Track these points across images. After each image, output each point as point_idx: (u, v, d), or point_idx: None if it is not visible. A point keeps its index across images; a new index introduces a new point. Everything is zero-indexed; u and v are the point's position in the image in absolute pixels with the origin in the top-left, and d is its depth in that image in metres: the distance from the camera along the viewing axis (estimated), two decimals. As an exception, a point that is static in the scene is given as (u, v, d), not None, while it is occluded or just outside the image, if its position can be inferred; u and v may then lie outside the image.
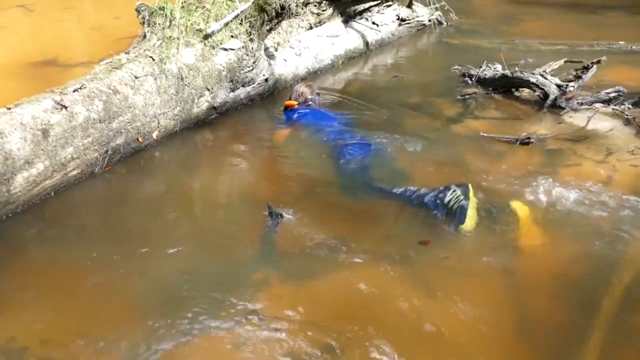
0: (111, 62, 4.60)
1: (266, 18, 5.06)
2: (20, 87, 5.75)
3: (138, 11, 5.16)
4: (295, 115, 4.90)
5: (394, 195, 3.79)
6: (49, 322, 2.96)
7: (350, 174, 4.12)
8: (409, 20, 7.48)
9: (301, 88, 5.14)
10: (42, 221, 3.70)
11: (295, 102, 5.00)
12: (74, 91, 4.10)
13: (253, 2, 5.03)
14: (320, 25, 6.44)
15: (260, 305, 3.00)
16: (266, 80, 5.35)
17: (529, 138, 4.48)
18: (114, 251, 3.43)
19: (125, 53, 4.80)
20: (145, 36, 5.02)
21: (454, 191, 3.60)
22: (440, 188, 3.66)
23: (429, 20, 7.72)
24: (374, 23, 6.98)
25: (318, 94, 5.21)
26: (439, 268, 3.28)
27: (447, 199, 3.58)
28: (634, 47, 6.83)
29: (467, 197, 3.55)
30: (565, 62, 5.67)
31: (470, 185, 3.63)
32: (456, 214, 3.52)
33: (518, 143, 4.48)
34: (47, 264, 3.38)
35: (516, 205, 3.64)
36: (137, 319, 2.97)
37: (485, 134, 4.62)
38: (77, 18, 8.88)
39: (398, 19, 7.36)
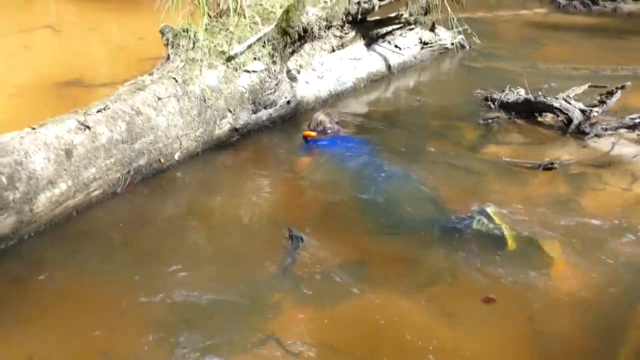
0: (135, 83, 4.64)
1: (289, 40, 5.07)
2: (45, 107, 5.80)
3: (162, 33, 5.19)
4: (317, 144, 4.90)
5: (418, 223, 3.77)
6: (67, 343, 2.97)
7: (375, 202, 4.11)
8: (431, 43, 7.46)
9: (320, 116, 5.13)
10: (63, 241, 3.71)
11: (314, 134, 4.98)
12: (98, 112, 4.13)
13: (276, 25, 5.06)
14: (343, 48, 6.45)
15: (278, 329, 2.99)
16: (288, 102, 5.36)
17: (552, 163, 4.44)
18: (134, 272, 3.44)
19: (149, 74, 4.84)
20: (168, 58, 5.06)
21: (479, 220, 3.57)
22: (463, 216, 3.64)
23: (452, 44, 7.69)
24: (396, 46, 6.97)
25: (337, 122, 5.18)
26: (464, 299, 3.24)
27: (475, 227, 3.56)
28: (658, 72, 6.76)
29: (492, 220, 3.53)
30: (589, 87, 5.63)
31: (490, 208, 3.61)
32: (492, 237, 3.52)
33: (541, 168, 4.44)
34: (67, 284, 3.39)
35: (547, 244, 3.58)
36: (157, 341, 2.97)
37: (507, 159, 4.58)
38: (102, 38, 8.93)
39: (421, 42, 7.34)
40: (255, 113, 5.08)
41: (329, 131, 5.04)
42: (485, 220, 3.58)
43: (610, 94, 5.41)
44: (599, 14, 9.80)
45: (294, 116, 5.52)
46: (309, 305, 3.19)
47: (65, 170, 3.79)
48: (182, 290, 3.28)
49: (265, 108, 5.16)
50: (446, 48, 7.67)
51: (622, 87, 5.37)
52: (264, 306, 3.15)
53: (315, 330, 3.00)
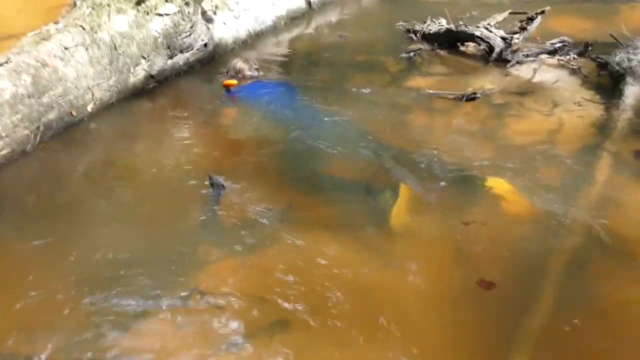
0: (39, 33, 4.36)
1: (201, -20, 4.86)
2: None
3: (68, -24, 4.90)
4: (238, 94, 4.74)
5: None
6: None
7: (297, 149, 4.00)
8: (351, -23, 7.30)
9: (238, 64, 4.95)
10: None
11: (235, 82, 4.78)
12: (0, 66, 3.88)
13: (187, -36, 4.83)
14: (260, -15, 6.22)
15: (203, 282, 2.88)
16: (205, 45, 5.16)
17: (475, 93, 4.41)
18: (49, 232, 3.26)
19: (54, 23, 4.56)
20: (75, 4, 4.77)
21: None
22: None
23: (372, -23, 7.55)
24: (316, -19, 6.79)
25: (257, 68, 5.00)
26: (389, 236, 3.19)
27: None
28: (578, -5, 6.76)
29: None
30: (509, 13, 5.59)
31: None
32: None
33: (464, 99, 4.40)
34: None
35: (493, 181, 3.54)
36: (77, 304, 2.82)
37: (431, 91, 4.53)
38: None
39: (341, -23, 7.18)
40: (171, 58, 4.88)
41: (249, 78, 4.88)
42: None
43: (531, 19, 5.38)
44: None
45: (213, 59, 5.33)
46: (233, 255, 3.07)
47: (-34, 130, 3.56)
48: (101, 248, 3.12)
49: (181, 52, 4.96)
50: (366, -19, 7.51)
51: (542, 13, 5.35)
52: (186, 258, 3.03)
53: (240, 280, 2.90)
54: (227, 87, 4.78)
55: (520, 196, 3.40)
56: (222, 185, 3.46)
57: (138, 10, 4.66)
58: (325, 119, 4.21)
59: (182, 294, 2.83)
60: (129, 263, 3.01)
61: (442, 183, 3.53)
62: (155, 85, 4.83)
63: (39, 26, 4.54)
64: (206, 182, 3.51)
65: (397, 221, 3.31)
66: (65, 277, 2.98)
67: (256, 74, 4.96)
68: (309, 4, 6.62)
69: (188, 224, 3.31)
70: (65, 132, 4.17)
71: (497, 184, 3.47)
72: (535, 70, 4.84)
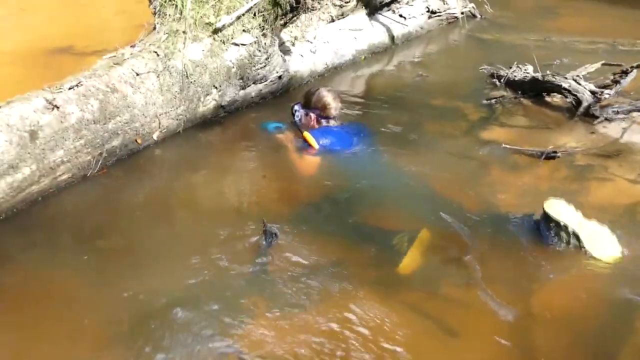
0: (113, 56, 4.36)
1: (280, 12, 4.79)
2: (28, 77, 5.57)
3: (150, 1, 4.90)
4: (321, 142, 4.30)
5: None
6: (28, 341, 2.77)
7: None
8: (439, 12, 7.11)
9: (326, 98, 4.45)
10: (25, 230, 3.48)
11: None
12: (70, 89, 3.87)
13: (266, -5, 4.75)
14: (343, 17, 6.11)
15: (244, 340, 2.74)
16: (280, 77, 5.07)
17: (555, 152, 4.12)
18: (100, 264, 3.23)
19: (131, 46, 4.55)
20: (155, 28, 4.77)
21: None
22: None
23: (462, 13, 7.34)
24: (401, 16, 6.64)
25: (342, 108, 4.62)
26: (443, 302, 2.98)
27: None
28: (679, 48, 6.35)
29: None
30: (602, 64, 5.27)
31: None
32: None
33: (543, 157, 4.12)
34: (24, 282, 3.15)
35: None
36: (116, 341, 2.76)
37: (508, 146, 4.27)
38: (100, 2, 8.66)
39: (428, 11, 7.01)
40: (243, 89, 4.80)
41: (331, 120, 4.49)
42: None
43: (625, 73, 5.05)
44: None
45: (287, 92, 5.24)
46: (279, 311, 2.92)
47: (29, 153, 3.53)
48: (149, 287, 3.04)
49: (254, 83, 4.88)
50: (455, 17, 7.32)
51: (638, 67, 5.00)
52: (231, 310, 2.90)
53: (284, 340, 2.74)
54: (306, 142, 4.32)
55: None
56: (276, 234, 3.32)
57: (214, 39, 4.61)
58: (394, 171, 4.04)
59: (222, 349, 2.70)
60: (168, 308, 2.90)
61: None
62: (224, 116, 4.75)
63: (126, 43, 4.56)
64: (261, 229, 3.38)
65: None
66: (100, 307, 2.95)
67: (338, 114, 4.54)
68: (392, 38, 6.47)
69: (237, 271, 3.17)
70: (128, 159, 4.14)
71: None
72: (624, 130, 4.50)
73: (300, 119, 4.49)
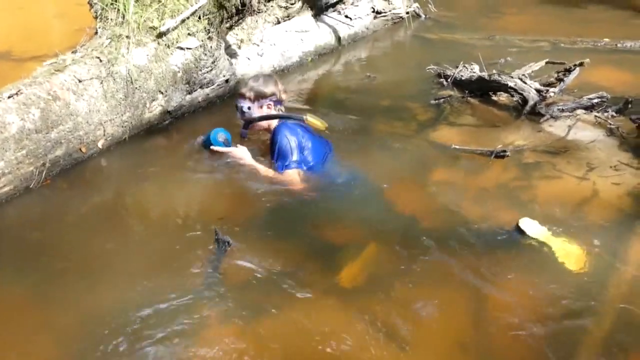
0: (55, 62, 4.22)
1: (226, 15, 4.73)
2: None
3: (90, 4, 4.77)
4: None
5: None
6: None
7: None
8: (384, 12, 7.10)
9: (271, 82, 4.14)
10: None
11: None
12: (9, 97, 3.74)
13: (212, -2, 4.67)
14: (289, 19, 6.06)
15: (197, 350, 2.67)
16: (227, 81, 4.99)
17: (504, 151, 4.15)
18: (43, 279, 3.13)
19: (72, 52, 4.42)
20: (96, 32, 4.64)
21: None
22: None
23: (407, 13, 7.35)
24: (347, 16, 6.61)
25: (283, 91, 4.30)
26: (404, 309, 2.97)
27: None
28: (619, 45, 6.47)
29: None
30: (546, 63, 5.34)
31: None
32: None
33: (493, 156, 4.15)
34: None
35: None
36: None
37: (457, 146, 4.28)
38: (39, 4, 8.42)
39: (373, 12, 6.99)
40: (190, 94, 4.72)
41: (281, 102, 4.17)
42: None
43: (568, 71, 5.12)
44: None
45: (234, 95, 5.12)
46: (233, 321, 2.87)
47: (-33, 166, 3.40)
48: (97, 302, 2.97)
49: (201, 88, 4.79)
50: (400, 17, 7.34)
51: (581, 64, 5.08)
52: (183, 321, 2.84)
53: (239, 351, 2.69)
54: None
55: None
56: (228, 242, 3.25)
57: (159, 44, 4.50)
58: (343, 174, 3.98)
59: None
60: (120, 319, 2.84)
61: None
62: (171, 121, 4.66)
63: (66, 48, 4.43)
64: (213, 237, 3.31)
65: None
66: (50, 328, 2.85)
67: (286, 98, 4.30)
68: (339, 39, 6.45)
69: (190, 280, 3.11)
70: (73, 169, 4.02)
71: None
72: (570, 127, 4.57)
73: (249, 109, 4.06)
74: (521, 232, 3.37)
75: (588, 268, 3.17)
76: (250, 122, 4.07)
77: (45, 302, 3.01)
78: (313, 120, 3.94)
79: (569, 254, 3.24)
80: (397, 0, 7.29)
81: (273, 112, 4.08)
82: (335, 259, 3.31)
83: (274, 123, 4.04)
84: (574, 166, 4.09)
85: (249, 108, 4.05)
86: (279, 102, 4.13)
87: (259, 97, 4.04)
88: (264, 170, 3.92)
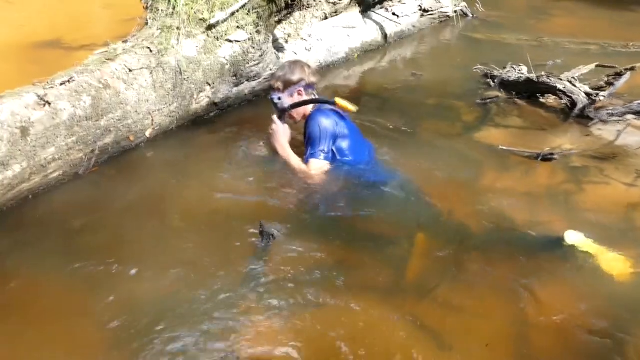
0: (106, 51, 4.28)
1: (275, 9, 4.71)
2: (16, 71, 5.48)
3: (141, -5, 4.83)
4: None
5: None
6: (17, 346, 2.69)
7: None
8: (432, 11, 7.07)
9: (300, 66, 4.05)
10: (14, 230, 3.40)
11: (354, 108, 3.79)
12: (61, 84, 3.79)
13: (262, -9, 4.68)
14: (336, 15, 6.07)
15: (240, 346, 2.68)
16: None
17: (552, 154, 4.10)
18: (90, 268, 3.13)
19: (123, 42, 4.47)
20: (147, 23, 4.69)
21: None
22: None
23: (454, 12, 7.31)
24: (394, 14, 6.59)
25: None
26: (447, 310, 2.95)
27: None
28: (672, 51, 6.35)
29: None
30: (596, 66, 5.25)
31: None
32: None
33: (540, 159, 4.10)
34: (12, 285, 3.05)
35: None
36: (109, 346, 2.69)
37: (505, 147, 4.24)
38: (87, -5, 8.55)
39: (420, 10, 6.96)
40: (237, 86, 4.74)
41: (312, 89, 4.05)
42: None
43: (619, 75, 5.03)
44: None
45: (280, 89, 5.15)
46: (276, 316, 2.86)
47: (20, 150, 3.45)
48: (139, 292, 2.97)
49: (248, 81, 4.81)
50: (447, 16, 7.29)
51: (632, 69, 4.99)
52: (225, 316, 2.83)
53: (282, 346, 2.69)
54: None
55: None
56: (273, 235, 3.26)
57: (208, 36, 4.54)
58: (386, 174, 3.93)
59: (216, 352, 2.65)
60: (162, 313, 2.84)
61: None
62: (217, 113, 4.69)
63: (115, 38, 4.48)
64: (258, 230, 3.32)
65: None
66: (91, 313, 2.87)
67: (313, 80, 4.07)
68: (385, 37, 6.43)
69: (233, 274, 3.11)
70: (120, 157, 4.06)
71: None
72: (619, 132, 4.49)
73: (279, 99, 3.96)
74: (567, 241, 3.30)
75: (635, 279, 3.10)
76: (283, 112, 3.97)
77: (88, 288, 3.03)
78: (342, 103, 3.75)
79: (616, 265, 3.17)
80: (445, -2, 7.25)
81: (304, 98, 3.96)
82: (381, 254, 3.29)
83: (309, 109, 3.97)
84: (622, 172, 4.02)
85: (279, 99, 3.95)
86: (309, 86, 3.98)
87: (287, 85, 3.93)
88: (293, 158, 3.88)
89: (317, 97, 4.05)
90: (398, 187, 3.81)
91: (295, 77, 3.94)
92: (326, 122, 3.79)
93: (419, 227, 3.47)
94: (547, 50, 6.37)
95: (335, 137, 3.82)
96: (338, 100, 3.77)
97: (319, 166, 3.78)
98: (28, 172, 3.51)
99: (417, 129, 4.64)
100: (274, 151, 4.02)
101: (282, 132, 3.95)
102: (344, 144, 3.86)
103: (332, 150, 3.83)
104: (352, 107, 3.76)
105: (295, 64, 4.10)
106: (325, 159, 3.78)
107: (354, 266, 3.20)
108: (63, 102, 3.69)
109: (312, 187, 3.80)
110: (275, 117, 3.98)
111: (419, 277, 3.18)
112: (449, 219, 3.60)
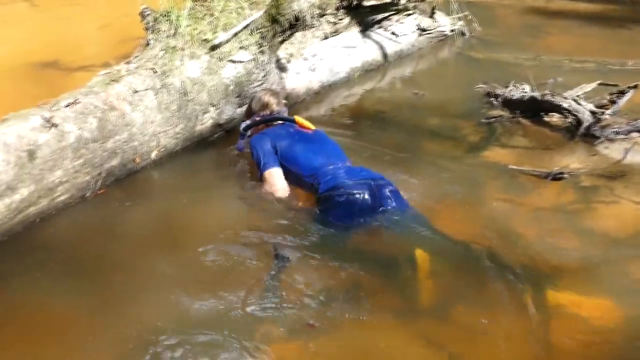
0: (109, 72, 4.24)
1: (279, 29, 4.70)
2: (14, 92, 5.42)
3: (142, 16, 4.79)
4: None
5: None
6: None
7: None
8: (430, 30, 7.07)
9: (266, 97, 4.27)
10: (22, 253, 3.34)
11: (311, 126, 4.08)
12: (67, 106, 3.76)
13: (265, 12, 4.67)
14: (337, 34, 6.05)
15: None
16: (277, 95, 4.97)
17: (562, 173, 4.09)
18: (98, 292, 3.10)
19: (126, 63, 4.44)
20: (148, 44, 4.66)
21: None
22: None
23: (451, 31, 7.31)
24: (393, 33, 6.58)
25: (285, 104, 4.43)
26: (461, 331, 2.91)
27: None
28: (670, 68, 6.37)
29: None
30: (599, 84, 5.25)
31: None
32: None
33: (550, 178, 4.09)
34: (19, 306, 3.02)
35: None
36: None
37: (514, 167, 4.22)
38: (84, 15, 8.47)
39: (418, 29, 6.95)
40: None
41: (277, 114, 4.24)
42: None
43: (622, 93, 5.03)
44: (603, 1, 9.33)
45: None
46: (294, 338, 2.83)
47: (28, 173, 3.40)
48: (151, 317, 2.91)
49: (252, 101, 4.78)
50: (445, 35, 7.28)
51: (635, 87, 4.99)
52: (243, 339, 2.79)
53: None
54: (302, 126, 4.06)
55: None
56: (287, 258, 3.22)
57: (212, 56, 4.52)
58: (390, 199, 3.69)
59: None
60: (178, 339, 2.78)
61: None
62: (221, 134, 4.65)
63: (113, 59, 4.45)
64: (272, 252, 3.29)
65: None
66: (102, 339, 2.82)
67: (284, 109, 4.32)
68: (385, 56, 6.41)
69: (248, 297, 3.06)
70: (126, 179, 4.01)
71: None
72: (626, 151, 4.48)
73: (246, 129, 4.21)
74: None
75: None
76: (242, 135, 4.22)
77: (94, 310, 2.99)
78: (301, 120, 4.05)
79: None
80: (442, 18, 7.26)
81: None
82: (391, 276, 3.27)
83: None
84: (632, 190, 4.02)
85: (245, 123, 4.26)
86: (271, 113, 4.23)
87: (249, 113, 4.31)
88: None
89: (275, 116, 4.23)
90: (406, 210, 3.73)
91: (258, 106, 4.26)
92: (260, 141, 3.98)
93: (417, 244, 3.41)
94: (545, 68, 6.36)
95: (273, 150, 3.93)
96: (297, 118, 4.09)
97: (269, 177, 3.88)
98: (36, 195, 3.47)
99: (422, 148, 4.63)
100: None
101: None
102: (289, 153, 3.92)
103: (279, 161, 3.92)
104: (310, 126, 4.05)
105: (265, 90, 4.46)
106: (271, 167, 3.88)
107: (369, 289, 3.16)
108: (69, 125, 3.66)
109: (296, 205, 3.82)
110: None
111: (433, 298, 3.14)
112: (457, 238, 3.54)
